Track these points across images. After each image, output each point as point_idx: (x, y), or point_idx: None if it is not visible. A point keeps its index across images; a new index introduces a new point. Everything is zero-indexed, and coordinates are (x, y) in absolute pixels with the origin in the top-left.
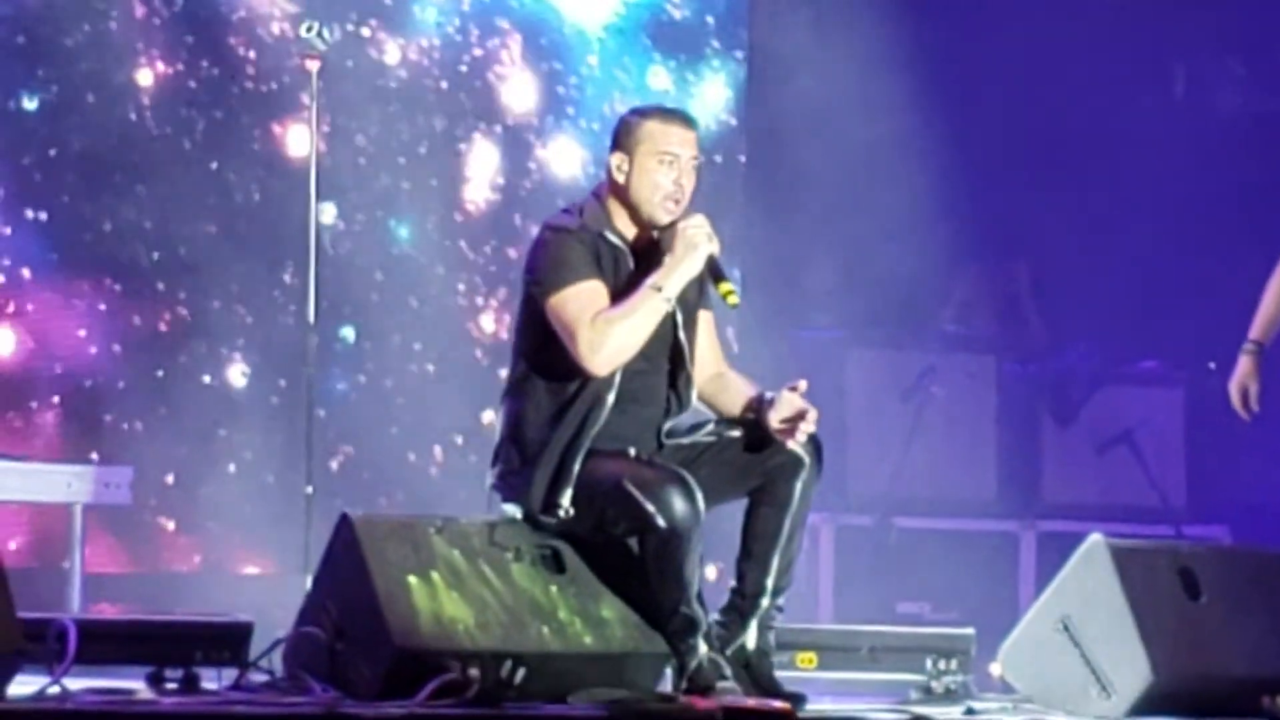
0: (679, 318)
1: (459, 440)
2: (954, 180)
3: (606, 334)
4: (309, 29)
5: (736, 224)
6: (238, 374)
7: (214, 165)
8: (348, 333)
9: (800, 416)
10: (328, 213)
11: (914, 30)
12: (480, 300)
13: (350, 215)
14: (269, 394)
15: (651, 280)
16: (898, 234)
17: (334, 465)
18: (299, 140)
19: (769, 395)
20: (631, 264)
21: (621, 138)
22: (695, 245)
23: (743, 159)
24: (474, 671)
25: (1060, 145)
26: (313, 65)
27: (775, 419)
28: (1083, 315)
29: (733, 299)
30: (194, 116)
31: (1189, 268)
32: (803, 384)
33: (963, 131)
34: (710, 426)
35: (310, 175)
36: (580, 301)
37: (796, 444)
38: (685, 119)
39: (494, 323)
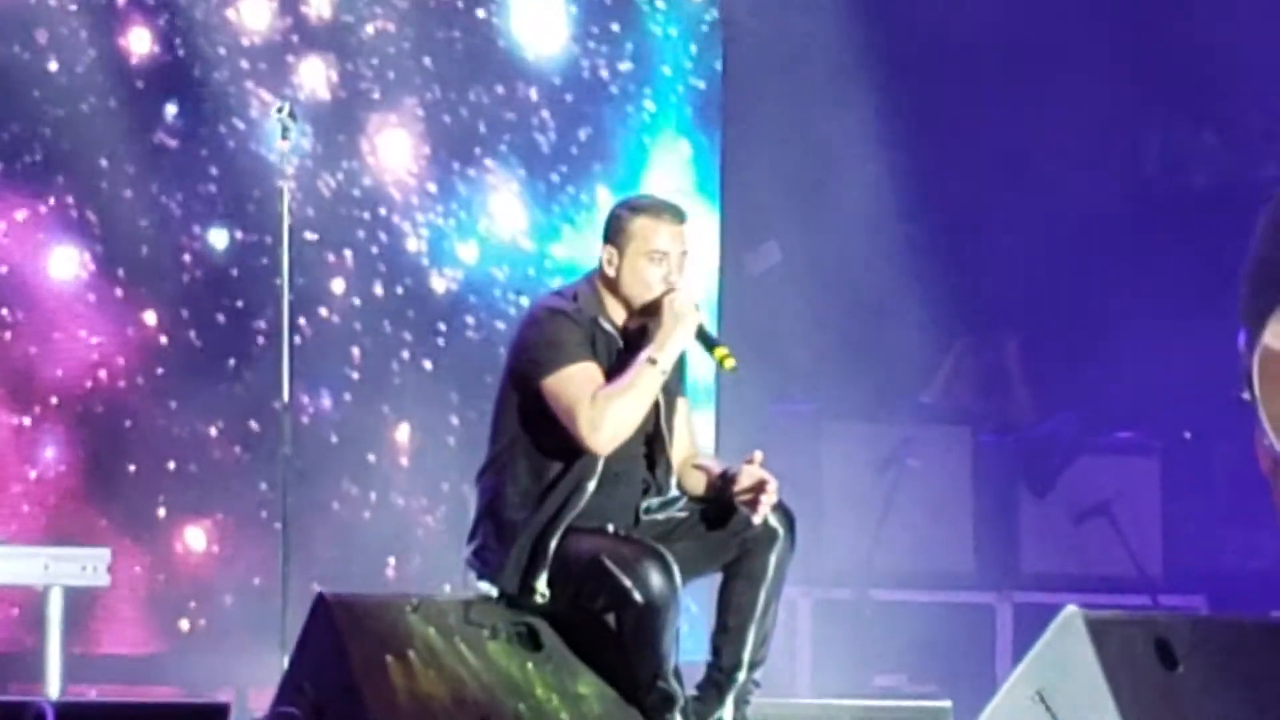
0: (661, 402)
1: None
2: (933, 254)
3: (607, 410)
4: (280, 109)
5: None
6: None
7: None
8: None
9: (760, 488)
10: None
11: (896, 101)
12: None
13: None
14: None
15: (645, 354)
16: (875, 309)
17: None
18: None
19: (732, 470)
20: (623, 348)
21: (612, 233)
22: (683, 316)
23: (719, 228)
24: None
25: (1038, 218)
26: (283, 146)
27: (737, 492)
28: (1062, 387)
29: (729, 363)
30: None
31: (1165, 339)
32: (758, 455)
33: (945, 207)
34: (683, 501)
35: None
36: (579, 381)
37: (761, 517)
38: (675, 214)
39: None
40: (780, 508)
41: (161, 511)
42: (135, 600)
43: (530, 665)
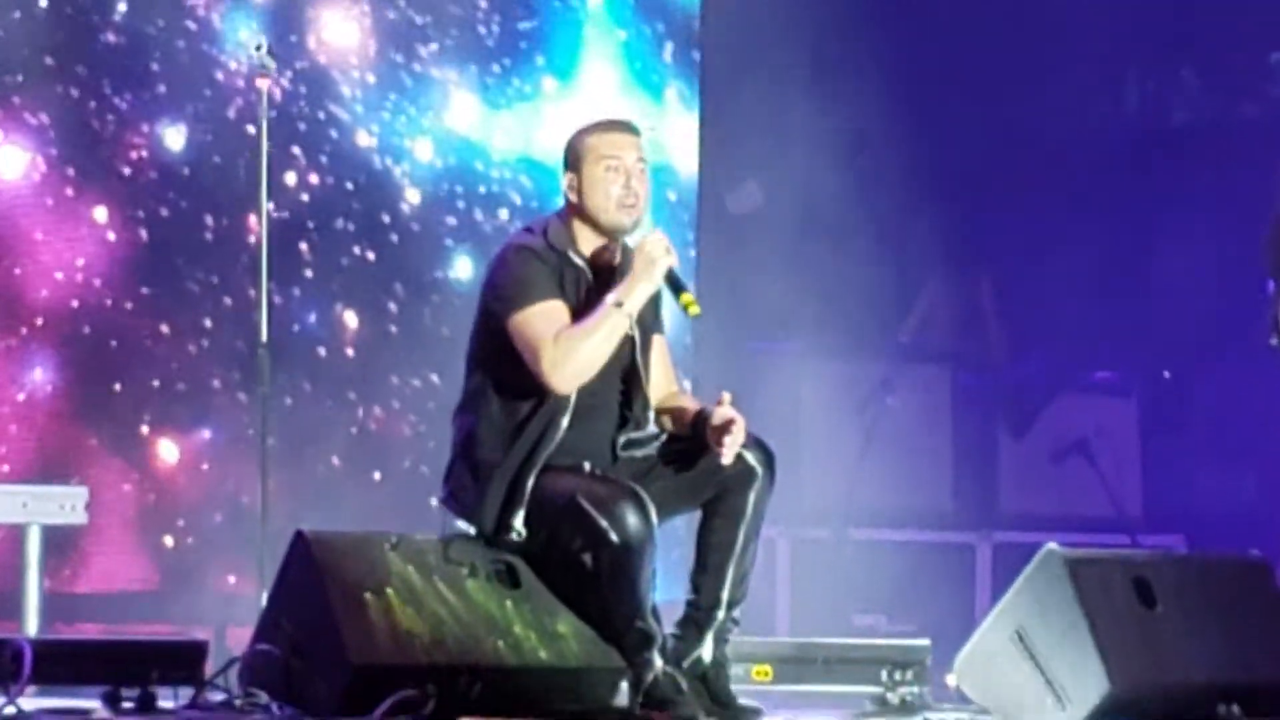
0: (636, 338)
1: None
2: (911, 194)
3: (569, 351)
4: (258, 47)
5: (692, 237)
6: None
7: None
8: None
9: (726, 428)
10: None
11: (871, 43)
12: None
13: None
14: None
15: (612, 296)
16: (853, 248)
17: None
18: None
19: (708, 410)
20: (592, 282)
21: (568, 158)
22: (654, 260)
23: (697, 172)
24: (430, 687)
25: (1017, 157)
26: (263, 84)
27: (709, 431)
28: (1039, 327)
29: (694, 309)
30: None
31: (1143, 277)
32: (727, 396)
33: (921, 146)
34: (661, 440)
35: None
36: (543, 320)
37: (728, 458)
38: (625, 125)
39: None
40: (760, 446)
41: (145, 429)
42: (124, 520)
43: (509, 603)
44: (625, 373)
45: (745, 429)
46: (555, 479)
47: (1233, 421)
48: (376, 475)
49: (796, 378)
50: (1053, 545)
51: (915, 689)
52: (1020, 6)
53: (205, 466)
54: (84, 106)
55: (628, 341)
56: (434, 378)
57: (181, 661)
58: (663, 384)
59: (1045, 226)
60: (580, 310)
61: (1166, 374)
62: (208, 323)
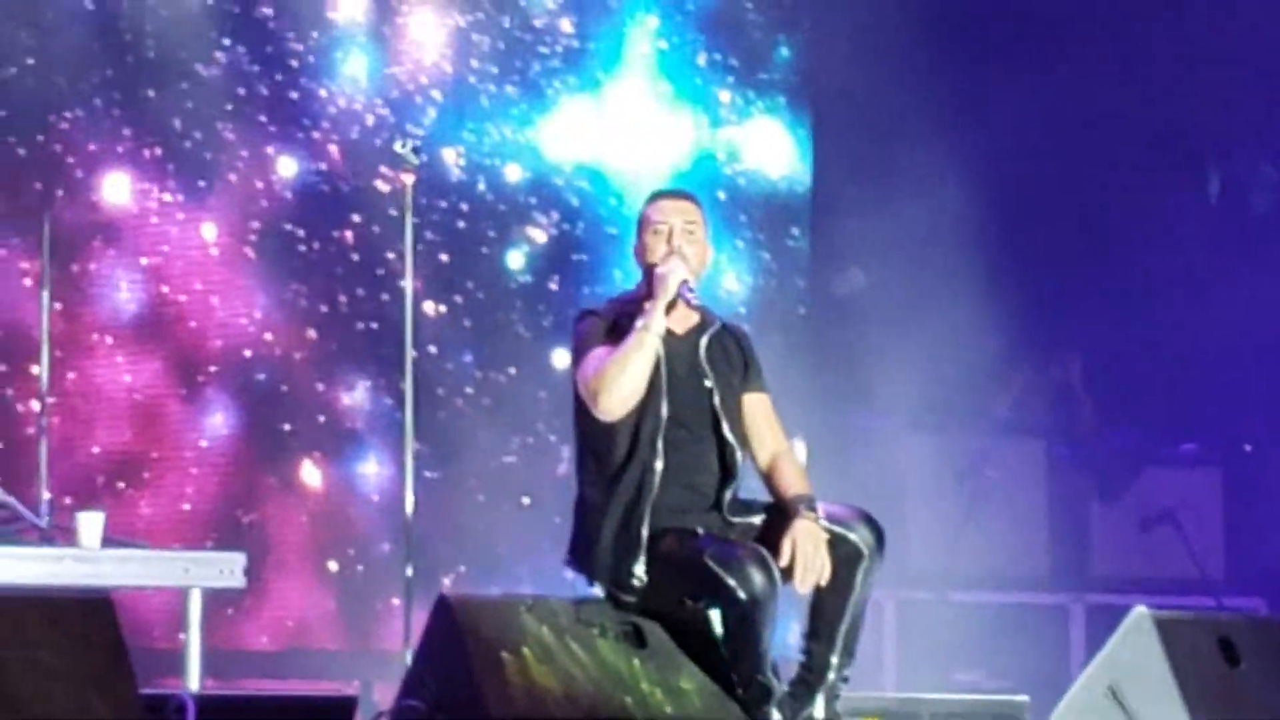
0: (714, 389)
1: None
2: (1006, 276)
3: (607, 377)
4: (404, 144)
5: (801, 310)
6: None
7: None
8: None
9: (792, 564)
10: None
11: (970, 133)
12: None
13: None
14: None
15: (638, 323)
16: (952, 327)
17: None
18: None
19: (794, 507)
20: (663, 341)
21: (636, 227)
22: (665, 278)
23: (806, 245)
24: None
25: (1104, 241)
26: (408, 179)
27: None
28: (1128, 401)
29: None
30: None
31: (1224, 352)
32: (799, 527)
33: (1015, 233)
34: (767, 509)
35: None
36: (590, 364)
37: (858, 532)
38: (673, 192)
39: None
40: (869, 523)
41: (312, 466)
42: (298, 551)
43: (636, 661)
44: (712, 424)
45: (813, 554)
46: (679, 540)
47: None
48: (525, 500)
49: (901, 449)
50: (1142, 608)
51: None
52: (1101, 98)
53: (375, 498)
54: (238, 165)
55: (705, 392)
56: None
57: (333, 715)
58: (769, 442)
59: (1130, 307)
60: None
61: (1248, 447)
62: (371, 366)
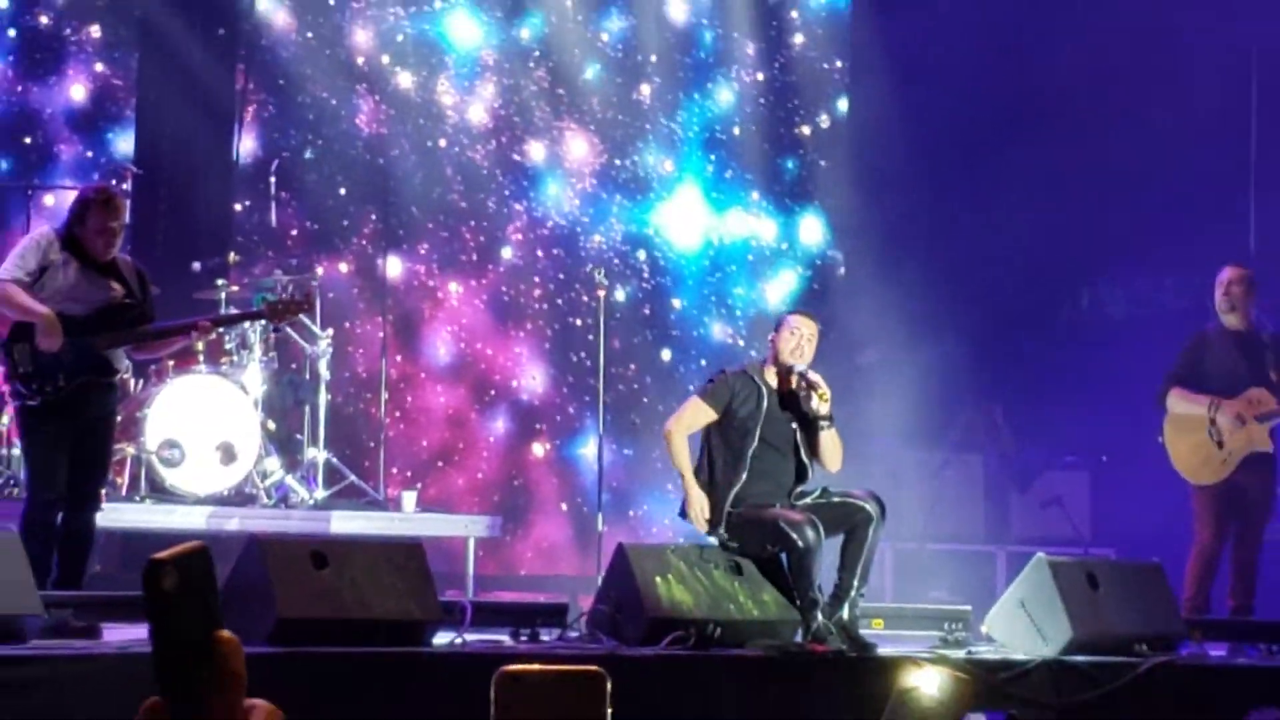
0: (796, 428)
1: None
2: (960, 352)
3: (670, 439)
4: (598, 270)
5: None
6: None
7: None
8: None
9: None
10: None
11: (941, 251)
12: None
13: None
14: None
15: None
16: (929, 384)
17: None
18: None
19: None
20: (768, 397)
21: (776, 324)
22: (793, 366)
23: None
24: (691, 630)
25: (1017, 331)
26: (600, 293)
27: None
28: (1032, 432)
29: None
30: None
31: (1091, 407)
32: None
33: (973, 326)
34: (822, 492)
35: None
36: (689, 409)
37: (869, 506)
38: (805, 313)
39: None
40: (878, 500)
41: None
42: (550, 508)
43: (735, 583)
44: (794, 451)
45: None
46: (765, 509)
47: (1147, 481)
48: None
49: (896, 457)
50: (1041, 554)
51: (963, 633)
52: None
53: (592, 470)
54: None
55: (790, 429)
56: None
57: (554, 614)
58: (833, 459)
59: (1033, 374)
60: (752, 411)
61: (1105, 458)
62: (588, 395)
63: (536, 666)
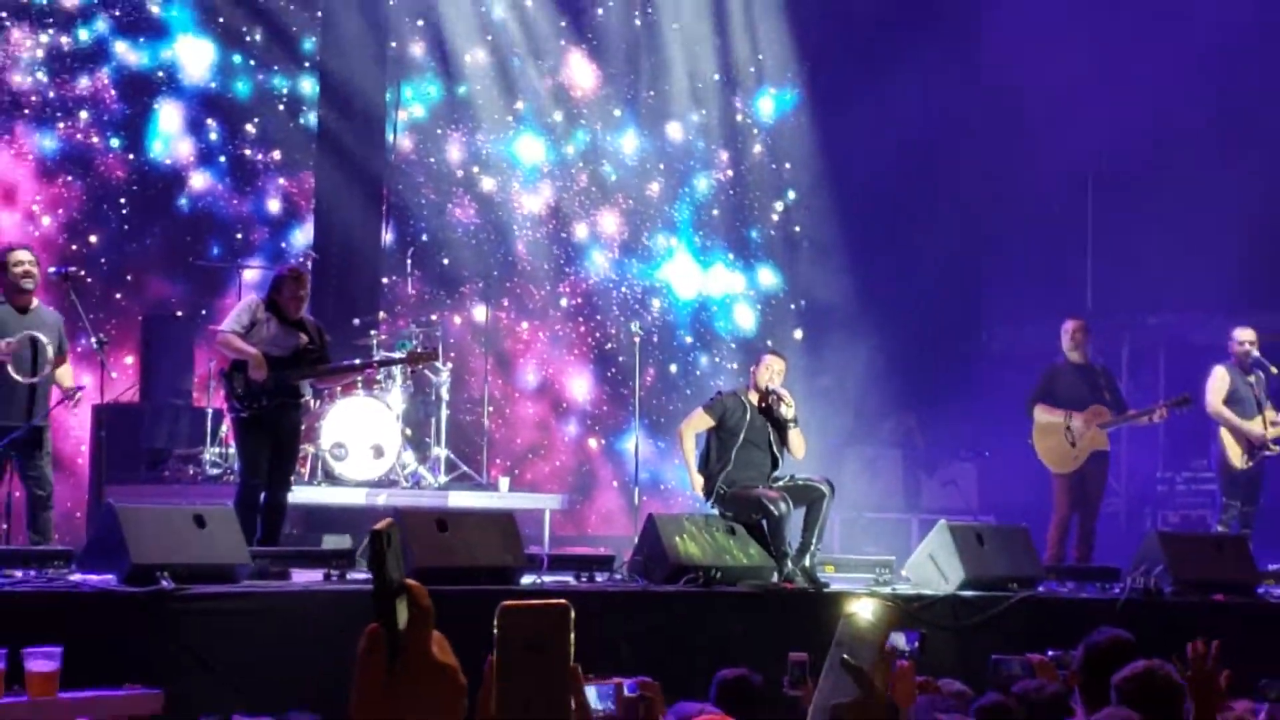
0: (771, 430)
1: None
2: (887, 378)
3: (682, 438)
4: (638, 326)
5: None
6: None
7: None
8: None
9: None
10: None
11: (872, 305)
12: None
13: None
14: None
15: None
16: (862, 400)
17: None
18: None
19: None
20: (750, 411)
21: (755, 363)
22: (774, 389)
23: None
24: (699, 573)
25: (929, 362)
26: (635, 338)
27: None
28: (938, 434)
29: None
30: None
31: (981, 419)
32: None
33: (896, 362)
34: (788, 478)
35: None
36: (692, 416)
37: (824, 486)
38: (778, 353)
39: None
40: (829, 482)
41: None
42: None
43: (731, 541)
44: (769, 447)
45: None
46: (750, 490)
47: (1018, 470)
48: None
49: (843, 453)
50: (943, 520)
51: (889, 576)
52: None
53: (632, 458)
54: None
55: (766, 429)
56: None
57: (605, 563)
58: (799, 449)
59: (940, 392)
60: (739, 421)
61: (987, 453)
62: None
63: (526, 601)
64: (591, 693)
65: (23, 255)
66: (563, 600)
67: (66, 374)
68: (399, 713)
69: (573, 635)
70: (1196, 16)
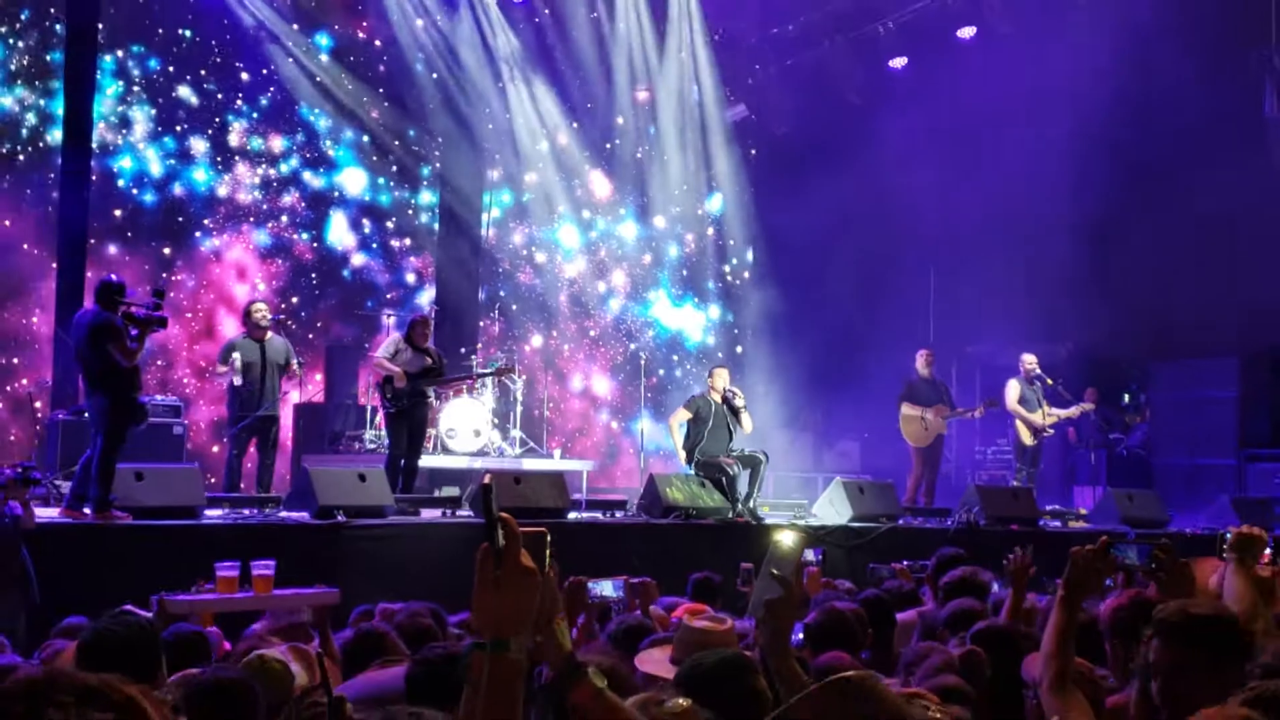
0: (728, 419)
1: None
2: (804, 382)
3: (672, 428)
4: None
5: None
6: None
7: None
8: None
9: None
10: None
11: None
12: None
13: None
14: None
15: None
16: (790, 399)
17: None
18: None
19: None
20: (714, 405)
21: (709, 375)
22: (725, 391)
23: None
24: (685, 511)
25: (856, 370)
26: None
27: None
28: (838, 420)
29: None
30: None
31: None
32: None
33: (829, 372)
34: (740, 450)
35: None
36: (679, 411)
37: (762, 456)
38: (724, 367)
39: None
40: (765, 454)
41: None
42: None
43: (703, 491)
44: (727, 427)
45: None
46: (715, 458)
47: (889, 446)
48: None
49: (776, 434)
50: (838, 478)
51: (803, 514)
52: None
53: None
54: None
55: (726, 419)
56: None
57: (621, 505)
58: (748, 427)
59: (843, 392)
60: (708, 415)
61: (866, 434)
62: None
63: (528, 527)
64: (608, 585)
65: (261, 305)
66: (541, 528)
67: (296, 368)
68: (502, 597)
69: (549, 552)
70: (1002, 152)
